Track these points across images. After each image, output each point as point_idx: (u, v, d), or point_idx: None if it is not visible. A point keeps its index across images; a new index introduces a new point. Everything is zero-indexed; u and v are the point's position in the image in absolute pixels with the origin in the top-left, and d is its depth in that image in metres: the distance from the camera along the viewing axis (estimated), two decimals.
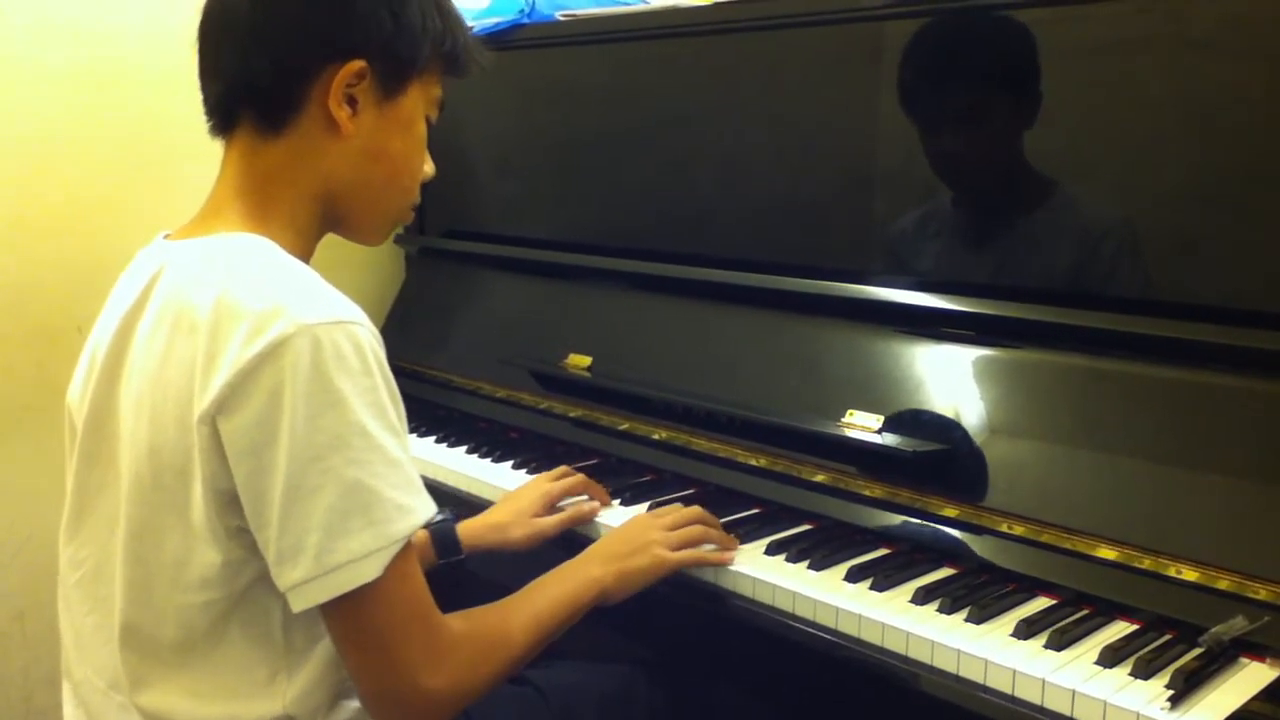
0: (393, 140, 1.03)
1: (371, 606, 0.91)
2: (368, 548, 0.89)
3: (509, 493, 1.44)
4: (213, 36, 1.01)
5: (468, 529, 1.34)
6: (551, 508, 1.39)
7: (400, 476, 0.91)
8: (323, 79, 0.98)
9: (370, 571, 0.89)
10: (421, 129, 1.06)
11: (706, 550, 1.26)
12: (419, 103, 1.05)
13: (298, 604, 0.91)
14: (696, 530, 1.26)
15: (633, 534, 1.23)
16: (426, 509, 0.94)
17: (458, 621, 0.99)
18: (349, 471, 0.88)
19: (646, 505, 1.41)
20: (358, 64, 0.98)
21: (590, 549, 1.20)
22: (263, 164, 1.01)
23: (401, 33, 1.00)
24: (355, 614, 0.92)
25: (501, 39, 1.85)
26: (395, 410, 0.93)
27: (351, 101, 0.99)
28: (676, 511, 1.29)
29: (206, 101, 1.03)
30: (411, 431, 1.77)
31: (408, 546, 0.92)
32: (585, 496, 1.43)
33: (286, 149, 1.00)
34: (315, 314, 0.89)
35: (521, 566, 1.23)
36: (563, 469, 1.45)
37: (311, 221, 1.04)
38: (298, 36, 0.98)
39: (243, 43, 0.99)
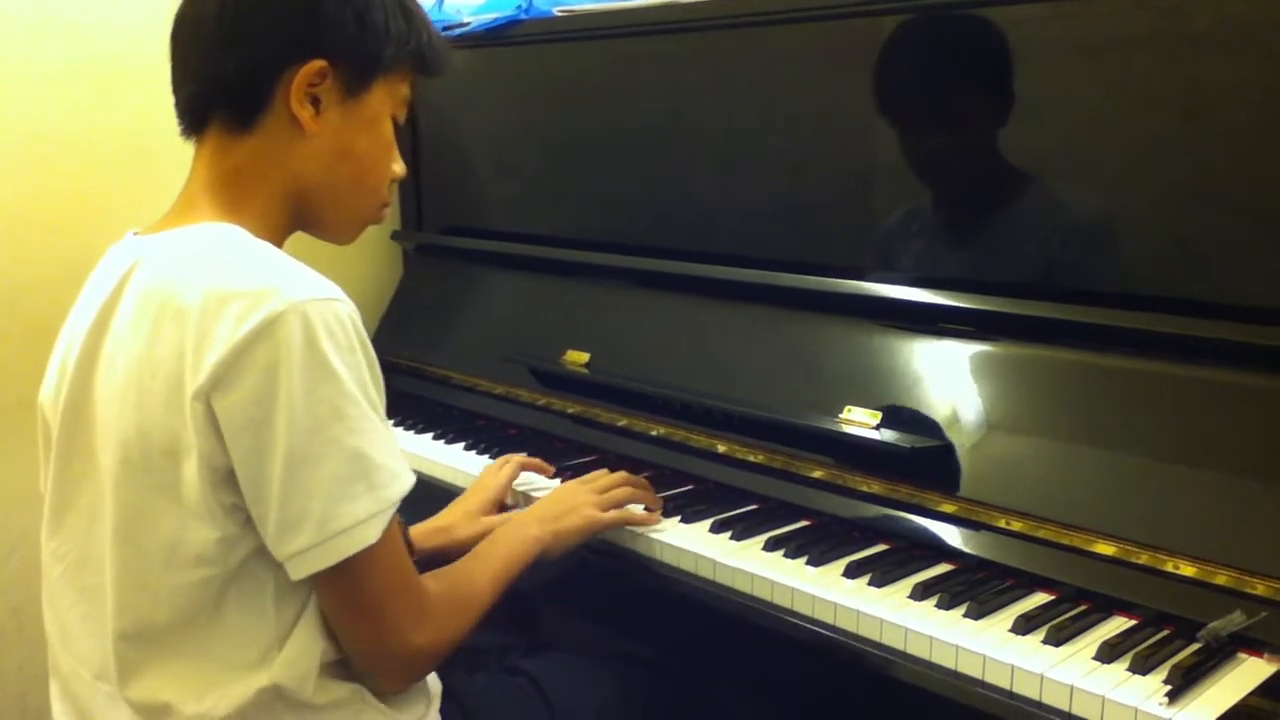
0: (358, 139, 1.05)
1: (367, 570, 0.95)
2: (370, 510, 0.93)
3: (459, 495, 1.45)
4: (183, 42, 1.05)
5: (417, 533, 1.35)
6: (498, 503, 1.42)
7: (388, 444, 0.96)
8: (286, 79, 1.01)
9: (371, 534, 0.94)
10: (387, 129, 1.08)
11: (635, 511, 1.34)
12: (384, 102, 1.07)
13: (298, 572, 0.94)
14: (624, 492, 1.35)
15: (565, 497, 1.32)
16: (410, 476, 0.98)
17: (432, 583, 1.05)
18: (349, 439, 0.92)
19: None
20: (319, 64, 1.01)
21: (527, 511, 1.29)
22: (233, 161, 1.03)
23: (364, 33, 1.03)
24: (352, 578, 0.95)
25: (499, 35, 1.85)
26: (376, 386, 0.97)
27: (315, 101, 1.02)
28: (604, 476, 1.37)
29: (178, 105, 1.06)
30: (409, 428, 1.78)
31: (395, 511, 0.97)
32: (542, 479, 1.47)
33: (255, 147, 1.03)
34: (304, 292, 0.91)
35: None
36: (504, 458, 1.49)
37: (281, 218, 1.06)
38: (263, 37, 1.01)
39: (212, 45, 1.01)
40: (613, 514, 1.31)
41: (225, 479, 0.93)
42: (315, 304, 0.91)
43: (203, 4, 1.02)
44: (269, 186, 1.04)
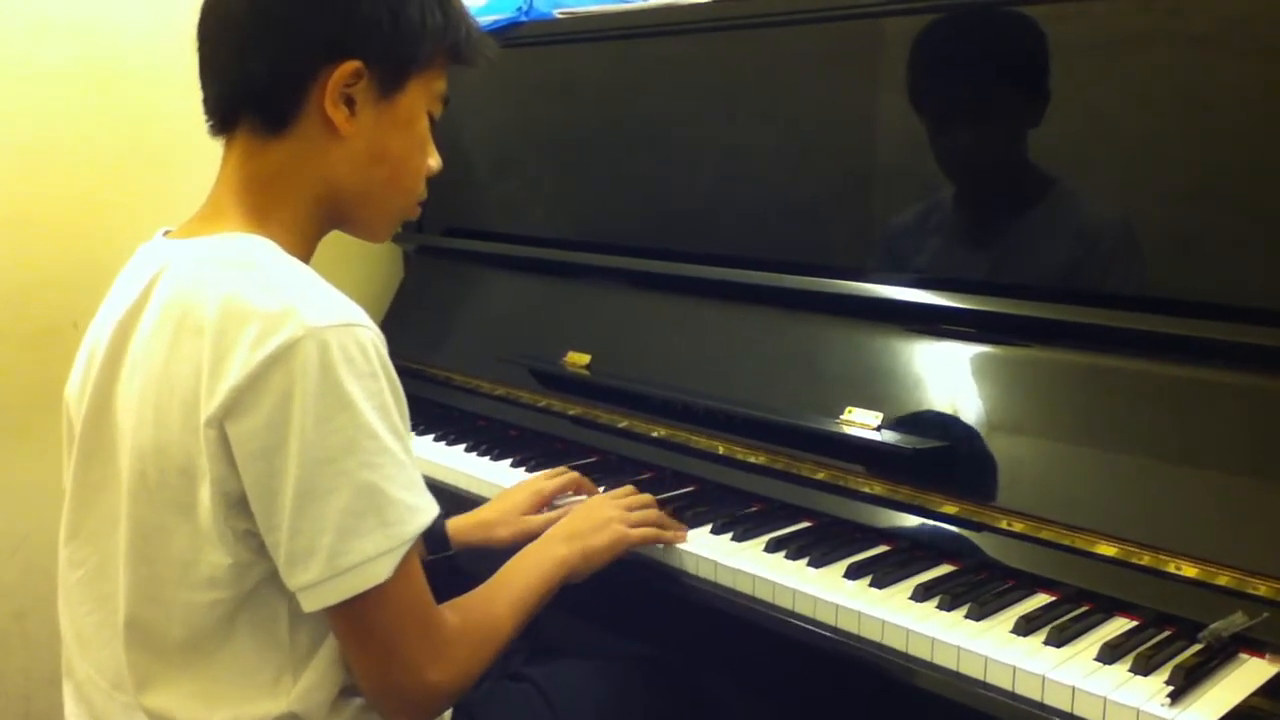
0: (393, 140, 1.02)
1: (379, 606, 0.92)
2: (380, 548, 0.90)
3: (502, 491, 1.44)
4: (211, 37, 1.01)
5: (457, 525, 1.35)
6: (542, 506, 1.39)
7: (407, 477, 0.93)
8: (320, 80, 0.97)
9: (382, 572, 0.91)
10: (423, 126, 1.05)
11: (663, 531, 1.30)
12: (420, 100, 1.03)
13: (309, 605, 0.92)
14: (653, 513, 1.31)
15: (592, 513, 1.27)
16: (432, 509, 0.95)
17: (451, 614, 1.01)
18: (362, 474, 0.89)
19: None
20: (353, 64, 0.97)
21: (552, 529, 1.24)
22: (263, 165, 1.00)
23: (399, 31, 0.99)
24: (363, 614, 0.93)
25: (499, 36, 1.85)
26: (399, 412, 0.94)
27: (349, 102, 0.99)
28: (631, 494, 1.34)
29: (206, 102, 1.02)
30: (411, 429, 1.77)
31: (413, 546, 0.94)
32: (582, 496, 1.42)
33: (286, 151, 0.99)
34: (323, 317, 0.89)
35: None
36: (558, 469, 1.45)
37: (312, 223, 1.03)
38: (294, 39, 0.97)
39: (240, 45, 0.98)
40: (642, 531, 1.27)
41: (238, 504, 0.92)
42: (334, 330, 0.89)
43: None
44: (300, 192, 1.01)
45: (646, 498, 1.34)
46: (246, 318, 0.89)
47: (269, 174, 1.00)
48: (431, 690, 0.98)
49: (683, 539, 1.31)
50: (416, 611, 0.96)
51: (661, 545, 1.30)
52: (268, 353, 0.87)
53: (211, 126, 1.03)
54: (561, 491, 1.42)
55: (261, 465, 0.89)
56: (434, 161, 1.08)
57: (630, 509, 1.29)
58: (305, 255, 1.03)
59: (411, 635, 0.95)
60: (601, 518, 1.25)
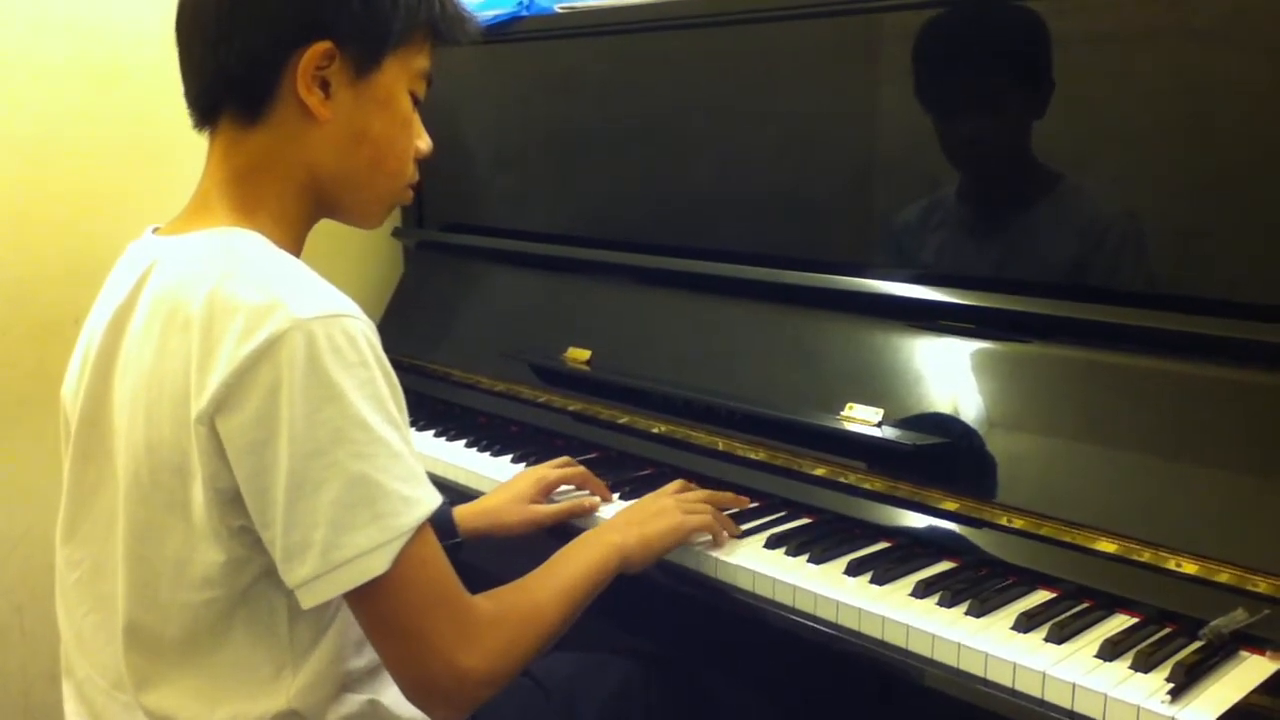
0: (372, 120, 1.00)
1: (391, 597, 0.91)
2: (375, 541, 0.89)
3: (506, 481, 1.44)
4: (186, 34, 1.00)
5: (462, 514, 1.35)
6: (547, 495, 1.40)
7: (403, 468, 0.91)
8: (292, 65, 0.96)
9: (379, 565, 0.89)
10: (404, 106, 1.03)
11: (719, 519, 1.29)
12: (399, 79, 1.01)
13: (307, 600, 0.90)
14: (703, 493, 1.31)
15: (649, 503, 1.27)
16: (432, 500, 0.93)
17: (485, 602, 0.98)
18: (353, 465, 0.88)
19: None
20: (323, 45, 0.96)
21: (610, 519, 1.23)
22: (245, 156, 0.99)
23: (370, 9, 0.97)
24: (377, 605, 0.91)
25: (500, 31, 1.85)
26: (395, 401, 0.93)
27: (324, 85, 0.97)
28: (686, 489, 1.33)
29: (187, 96, 1.01)
30: (411, 425, 1.76)
31: (422, 533, 0.92)
32: (585, 491, 1.43)
33: (266, 139, 0.98)
34: (309, 308, 0.88)
35: (515, 556, 1.23)
36: (563, 459, 1.46)
37: (300, 211, 1.02)
38: (262, 24, 0.96)
39: (213, 37, 0.97)
40: (702, 518, 1.26)
41: (231, 500, 0.91)
42: (320, 321, 0.87)
43: None
44: (284, 180, 1.00)
45: (703, 493, 1.33)
46: (232, 312, 0.88)
47: (251, 165, 0.99)
48: (464, 677, 0.94)
49: (736, 531, 1.30)
50: (434, 598, 0.93)
51: (710, 539, 1.28)
52: (254, 346, 0.86)
53: (195, 121, 1.02)
54: (565, 482, 1.42)
55: (253, 460, 0.88)
56: (423, 143, 1.06)
57: (685, 499, 1.29)
58: (295, 245, 1.02)
59: (433, 622, 0.93)
60: (660, 506, 1.25)
